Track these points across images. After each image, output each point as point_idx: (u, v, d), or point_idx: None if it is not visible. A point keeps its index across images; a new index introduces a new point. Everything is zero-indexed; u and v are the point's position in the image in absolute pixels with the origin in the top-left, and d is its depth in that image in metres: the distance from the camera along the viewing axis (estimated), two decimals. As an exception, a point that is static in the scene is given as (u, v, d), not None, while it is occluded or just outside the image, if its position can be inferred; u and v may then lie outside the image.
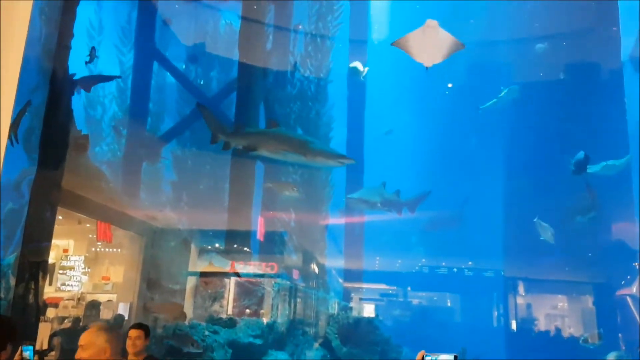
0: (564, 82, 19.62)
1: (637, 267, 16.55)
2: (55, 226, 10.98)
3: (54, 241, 12.25)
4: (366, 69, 20.08)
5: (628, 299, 16.90)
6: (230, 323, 13.69)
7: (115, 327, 12.30)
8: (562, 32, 19.08)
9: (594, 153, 16.52)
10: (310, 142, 14.64)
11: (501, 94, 19.73)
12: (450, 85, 24.75)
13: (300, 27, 19.16)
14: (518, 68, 20.34)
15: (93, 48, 13.95)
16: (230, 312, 14.74)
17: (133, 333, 5.74)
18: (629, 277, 17.18)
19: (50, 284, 13.08)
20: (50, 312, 12.56)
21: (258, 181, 17.30)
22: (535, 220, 17.60)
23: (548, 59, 18.54)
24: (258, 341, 13.31)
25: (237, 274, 14.83)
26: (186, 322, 13.22)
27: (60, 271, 13.80)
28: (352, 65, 20.06)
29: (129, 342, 5.69)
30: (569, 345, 17.45)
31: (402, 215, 17.76)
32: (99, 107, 18.14)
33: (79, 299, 13.51)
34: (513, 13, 20.60)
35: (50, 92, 10.08)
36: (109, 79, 15.79)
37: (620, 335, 16.57)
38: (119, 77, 17.05)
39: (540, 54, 19.15)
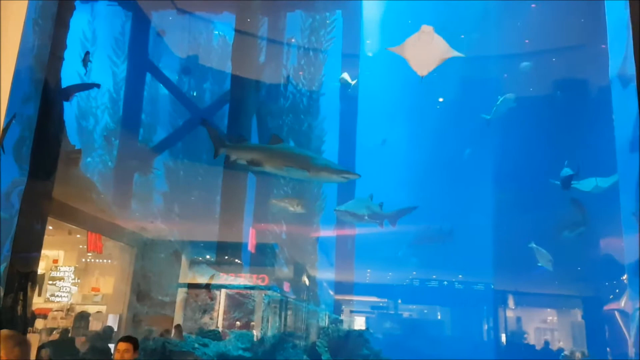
0: (553, 98, 19.84)
1: (625, 281, 16.66)
2: (46, 236, 10.94)
3: (44, 252, 12.20)
4: (354, 81, 20.18)
5: (616, 313, 17.00)
6: (220, 336, 13.65)
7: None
8: (551, 48, 19.33)
9: (582, 169, 16.71)
10: (313, 157, 14.52)
11: (498, 102, 19.76)
12: (441, 99, 24.95)
13: (293, 40, 19.32)
14: (508, 83, 20.54)
15: (87, 53, 13.86)
16: (220, 324, 14.69)
17: (121, 346, 5.72)
18: (617, 291, 17.28)
19: (39, 294, 13.00)
20: (39, 323, 12.47)
21: (250, 193, 17.32)
22: (531, 245, 17.68)
23: (537, 74, 18.75)
24: (248, 354, 13.27)
25: (228, 286, 14.82)
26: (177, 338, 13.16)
27: (50, 282, 13.72)
28: (341, 77, 20.15)
29: (117, 355, 5.67)
30: (558, 358, 17.54)
31: (384, 228, 17.76)
32: (91, 117, 18.17)
33: (68, 310, 13.43)
34: (503, 29, 20.85)
35: (42, 102, 10.09)
36: (87, 87, 15.44)
37: (608, 349, 16.65)
38: (97, 85, 16.61)
39: (526, 72, 19.31)
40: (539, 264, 17.54)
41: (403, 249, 23.46)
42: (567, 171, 16.48)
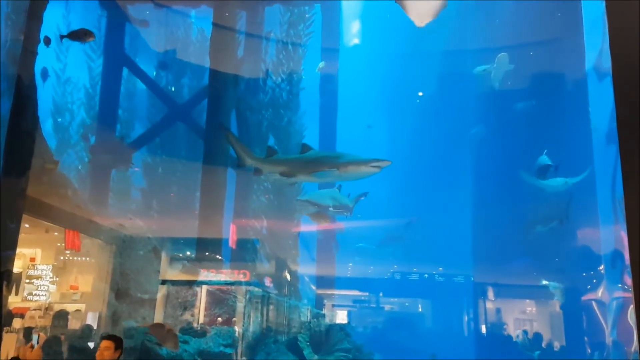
0: (531, 91, 20.03)
1: (602, 271, 16.95)
2: (22, 235, 10.77)
3: (21, 250, 12.01)
4: (322, 63, 20.00)
5: (594, 303, 17.29)
6: (201, 332, 13.58)
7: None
8: (529, 42, 19.49)
9: (559, 161, 16.93)
10: (339, 155, 14.22)
11: (493, 65, 19.54)
12: (420, 94, 25.06)
13: (271, 34, 19.21)
14: (485, 77, 20.67)
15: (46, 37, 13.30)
16: (201, 321, 14.61)
17: (103, 344, 5.71)
18: (594, 281, 17.58)
19: (16, 293, 12.81)
20: (17, 323, 12.29)
21: (230, 188, 17.21)
22: (545, 283, 18.04)
23: (515, 67, 18.86)
24: (229, 350, 13.23)
25: (209, 282, 14.73)
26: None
27: (27, 280, 13.52)
28: (319, 67, 20.01)
29: (98, 353, 5.65)
30: (537, 348, 17.79)
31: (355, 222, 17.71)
32: (66, 113, 17.88)
33: (46, 309, 13.25)
34: (481, 23, 20.98)
35: (16, 98, 9.90)
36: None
37: (586, 338, 16.94)
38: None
39: (481, 76, 19.20)
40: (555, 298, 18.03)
41: (386, 243, 23.61)
42: (544, 159, 16.65)
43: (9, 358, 5.11)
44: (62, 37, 12.52)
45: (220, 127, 15.58)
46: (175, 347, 11.73)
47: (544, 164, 16.73)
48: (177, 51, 19.31)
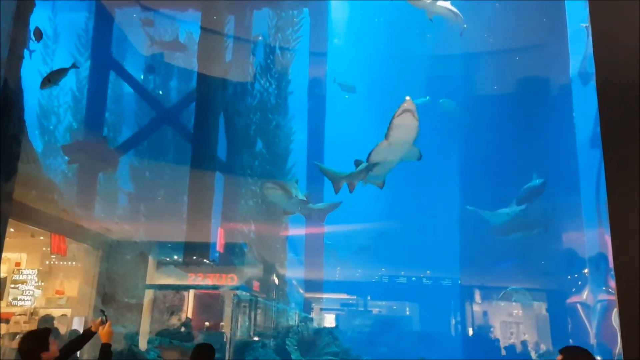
0: (516, 95, 20.23)
1: (587, 274, 17.15)
2: (7, 239, 10.63)
3: (6, 254, 11.85)
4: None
5: (579, 305, 17.48)
6: (188, 337, 13.51)
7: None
8: (514, 47, 19.70)
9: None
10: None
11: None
12: (407, 98, 25.10)
13: (260, 38, 19.23)
14: (472, 81, 20.87)
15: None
16: (189, 325, 14.53)
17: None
18: (579, 283, 17.77)
19: (1, 298, 12.67)
20: (2, 328, 12.15)
21: (218, 192, 17.18)
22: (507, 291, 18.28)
23: (500, 73, 19.08)
24: (217, 355, 13.15)
25: (196, 287, 14.67)
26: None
27: (12, 285, 13.35)
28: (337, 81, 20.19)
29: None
30: (524, 350, 17.94)
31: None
32: (53, 117, 17.77)
33: (31, 314, 13.10)
34: (468, 28, 21.16)
35: (2, 102, 9.82)
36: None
37: (571, 340, 17.10)
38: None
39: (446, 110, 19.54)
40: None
41: (374, 244, 23.78)
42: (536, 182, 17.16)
43: (84, 329, 5.38)
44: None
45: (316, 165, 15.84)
46: None
47: (539, 183, 17.28)
48: (164, 55, 19.26)
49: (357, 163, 14.36)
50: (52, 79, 12.38)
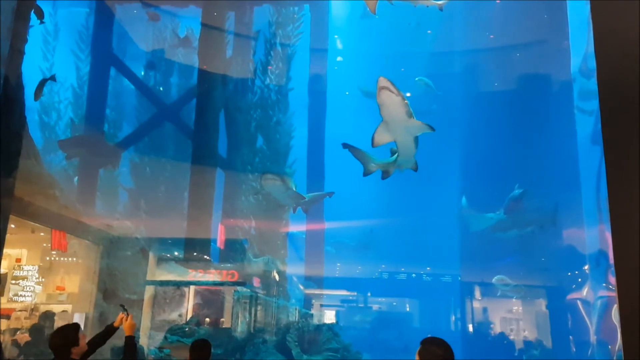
0: (517, 92, 20.22)
1: (587, 271, 17.16)
2: (8, 235, 10.65)
3: (7, 250, 11.87)
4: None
5: (579, 302, 17.50)
6: (189, 333, 13.53)
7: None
8: (515, 43, 19.67)
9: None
10: None
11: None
12: (408, 94, 25.12)
13: (260, 34, 19.20)
14: (473, 78, 20.85)
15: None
16: (189, 321, 14.55)
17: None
18: (579, 280, 17.79)
19: (1, 294, 12.69)
20: (2, 324, 12.18)
21: (218, 188, 17.19)
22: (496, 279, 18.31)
23: (502, 69, 19.05)
24: (218, 350, 13.19)
25: (197, 283, 14.70)
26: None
27: (13, 281, 13.38)
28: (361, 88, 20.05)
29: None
30: (524, 347, 17.97)
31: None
32: (53, 113, 17.76)
33: (32, 310, 13.13)
34: (469, 25, 21.16)
35: (3, 98, 9.82)
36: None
37: (571, 337, 17.13)
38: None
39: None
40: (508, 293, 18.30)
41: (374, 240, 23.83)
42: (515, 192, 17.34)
43: (107, 325, 5.65)
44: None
45: (345, 146, 15.77)
46: None
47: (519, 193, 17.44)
48: (165, 51, 19.24)
49: (394, 152, 14.39)
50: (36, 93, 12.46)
